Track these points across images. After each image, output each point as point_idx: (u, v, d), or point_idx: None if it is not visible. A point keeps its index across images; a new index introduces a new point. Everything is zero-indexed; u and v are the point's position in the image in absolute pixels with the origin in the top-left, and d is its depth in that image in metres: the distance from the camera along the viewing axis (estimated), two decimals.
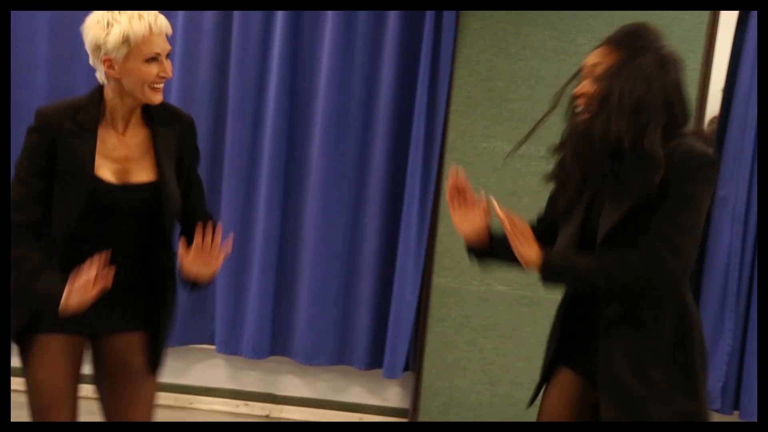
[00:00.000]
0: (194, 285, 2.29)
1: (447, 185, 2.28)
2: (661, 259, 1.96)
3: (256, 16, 3.61)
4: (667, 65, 2.03)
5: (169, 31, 2.25)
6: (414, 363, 3.76)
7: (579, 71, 2.14)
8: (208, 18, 3.64)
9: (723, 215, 3.62)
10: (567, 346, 2.24)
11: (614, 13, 3.52)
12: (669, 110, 2.03)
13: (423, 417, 3.70)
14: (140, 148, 2.28)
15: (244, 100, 3.65)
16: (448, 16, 3.55)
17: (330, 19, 3.60)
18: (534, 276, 3.55)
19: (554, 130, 3.55)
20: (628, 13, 3.51)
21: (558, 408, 2.26)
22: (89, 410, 2.43)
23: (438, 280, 3.67)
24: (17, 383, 2.34)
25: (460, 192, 2.26)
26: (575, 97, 2.12)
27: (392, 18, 3.60)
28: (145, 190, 2.22)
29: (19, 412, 2.43)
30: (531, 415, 3.61)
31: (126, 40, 2.14)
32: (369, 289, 3.72)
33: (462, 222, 2.28)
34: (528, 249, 2.11)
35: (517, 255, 2.13)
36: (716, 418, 3.68)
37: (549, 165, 3.67)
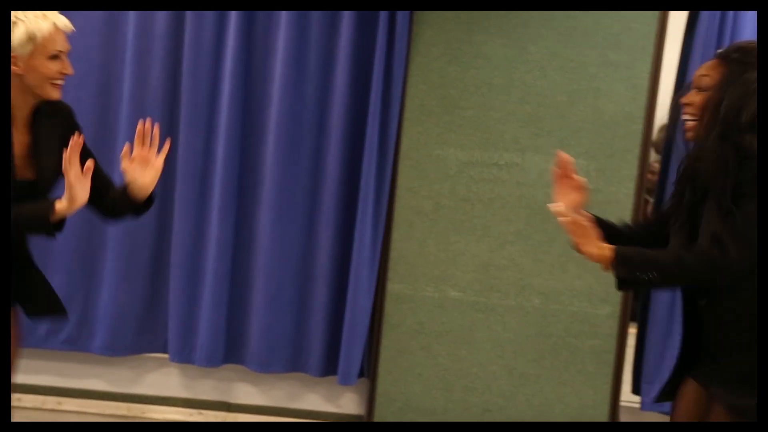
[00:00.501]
0: (139, 203, 2.46)
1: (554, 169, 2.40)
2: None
3: (209, 22, 3.59)
4: None
5: (70, 29, 2.38)
6: (369, 369, 3.77)
7: (688, 83, 2.24)
8: (160, 24, 3.61)
9: None
10: (692, 358, 2.33)
11: (564, 23, 3.58)
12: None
13: None
14: (27, 145, 2.39)
15: (197, 108, 3.63)
16: (401, 24, 3.57)
17: (283, 26, 3.59)
18: (488, 282, 3.63)
19: (507, 137, 3.63)
20: (579, 22, 3.58)
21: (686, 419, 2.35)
22: None
23: (392, 287, 3.69)
24: None
25: (564, 174, 2.38)
26: (683, 106, 2.21)
27: (345, 26, 3.60)
28: (26, 188, 2.32)
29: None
30: (484, 419, 3.65)
31: (31, 38, 2.28)
32: (323, 296, 3.72)
33: (562, 197, 2.38)
34: (592, 246, 2.20)
35: (584, 254, 2.22)
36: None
37: (502, 171, 3.73)
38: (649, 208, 3.83)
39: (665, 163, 3.70)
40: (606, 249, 2.19)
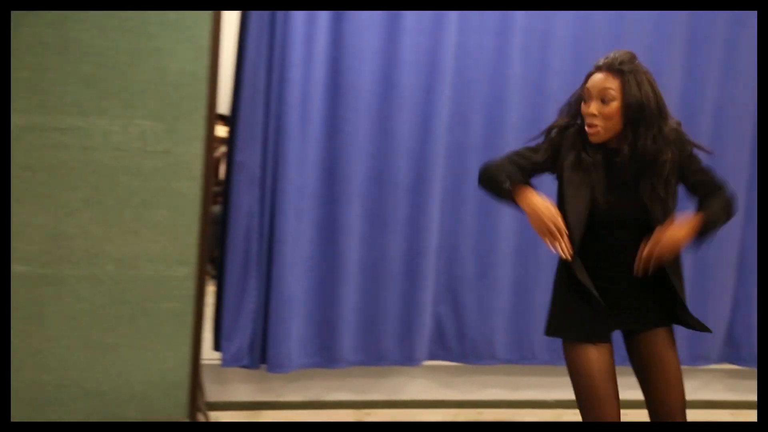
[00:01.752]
0: None
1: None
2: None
3: None
4: (654, 81, 2.55)
5: None
6: None
7: (582, 91, 2.58)
8: None
9: (241, 180, 3.77)
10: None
11: None
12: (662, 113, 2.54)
13: None
14: None
15: None
16: None
17: None
18: (57, 253, 3.44)
19: (67, 100, 3.45)
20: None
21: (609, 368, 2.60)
22: None
23: None
24: None
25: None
26: (586, 115, 2.54)
27: None
28: None
29: None
30: (60, 395, 3.47)
31: None
32: None
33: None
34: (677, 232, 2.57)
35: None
36: (247, 374, 3.84)
37: (64, 136, 3.55)
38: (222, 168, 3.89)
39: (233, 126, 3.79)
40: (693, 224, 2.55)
